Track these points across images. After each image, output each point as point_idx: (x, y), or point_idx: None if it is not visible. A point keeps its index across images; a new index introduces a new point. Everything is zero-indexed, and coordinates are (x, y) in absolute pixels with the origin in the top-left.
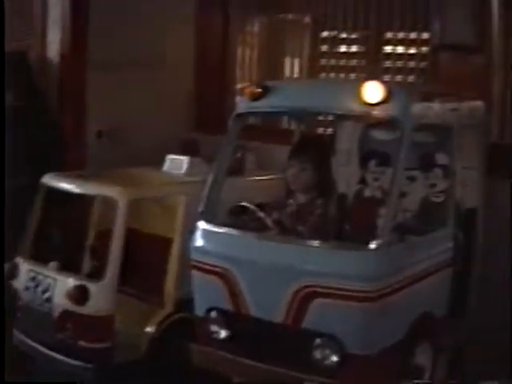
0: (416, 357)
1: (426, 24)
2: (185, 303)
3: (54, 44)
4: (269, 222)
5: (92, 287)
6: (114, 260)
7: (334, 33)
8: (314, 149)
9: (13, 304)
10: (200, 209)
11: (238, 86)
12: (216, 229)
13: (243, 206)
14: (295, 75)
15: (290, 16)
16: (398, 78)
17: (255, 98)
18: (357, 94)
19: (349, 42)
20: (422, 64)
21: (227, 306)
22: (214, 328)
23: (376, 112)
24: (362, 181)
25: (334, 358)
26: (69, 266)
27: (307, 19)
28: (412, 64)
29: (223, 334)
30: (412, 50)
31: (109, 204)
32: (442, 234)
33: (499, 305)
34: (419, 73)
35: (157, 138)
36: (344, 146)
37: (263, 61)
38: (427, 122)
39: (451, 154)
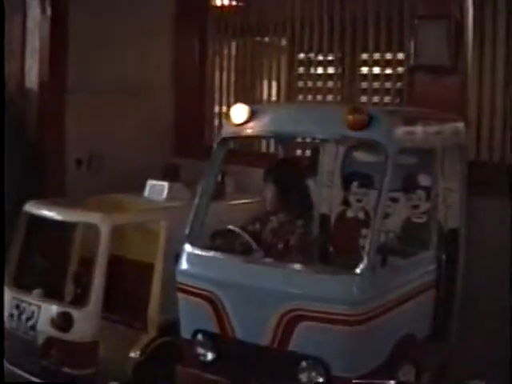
0: (399, 378)
1: (401, 45)
2: (168, 327)
3: (33, 72)
4: (253, 244)
5: (76, 314)
6: (98, 286)
7: (311, 55)
8: (288, 170)
9: None
10: (186, 232)
11: (217, 109)
12: (202, 252)
13: (227, 230)
14: (272, 98)
15: (267, 39)
16: (375, 98)
17: (241, 122)
18: (341, 119)
19: (325, 63)
20: (398, 84)
21: (213, 328)
22: (200, 350)
23: (360, 137)
24: (345, 202)
25: (320, 381)
26: (52, 294)
27: (283, 42)
28: (388, 85)
29: (209, 356)
30: (388, 71)
31: (91, 231)
32: (424, 256)
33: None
34: (395, 93)
35: (137, 164)
36: (326, 167)
37: (241, 84)
38: (411, 145)
39: (433, 176)
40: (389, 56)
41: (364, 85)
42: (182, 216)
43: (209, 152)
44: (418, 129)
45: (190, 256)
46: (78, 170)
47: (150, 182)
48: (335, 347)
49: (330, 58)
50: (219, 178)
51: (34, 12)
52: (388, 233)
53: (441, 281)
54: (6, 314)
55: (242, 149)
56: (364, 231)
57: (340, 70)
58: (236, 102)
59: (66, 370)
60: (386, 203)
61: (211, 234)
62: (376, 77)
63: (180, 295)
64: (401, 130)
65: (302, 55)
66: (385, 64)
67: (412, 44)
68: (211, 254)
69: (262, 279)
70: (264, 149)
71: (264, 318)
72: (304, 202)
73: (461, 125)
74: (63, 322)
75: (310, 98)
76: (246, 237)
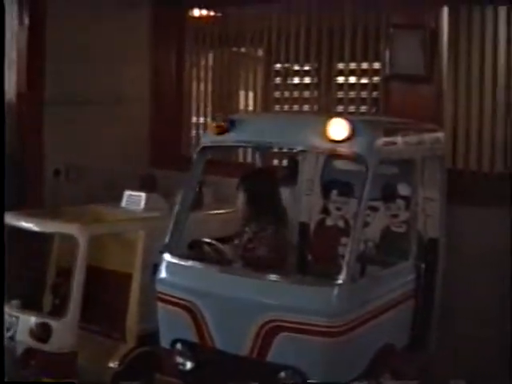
0: None
1: (376, 54)
2: (147, 337)
3: (11, 83)
4: (231, 255)
5: (54, 324)
6: (76, 297)
7: (287, 65)
8: (260, 180)
9: None
10: (165, 241)
11: (194, 120)
12: (181, 261)
13: (202, 242)
14: (249, 108)
15: (244, 49)
16: (351, 108)
17: (221, 132)
18: (321, 131)
19: (301, 73)
20: (374, 94)
21: (192, 338)
22: (179, 360)
23: (340, 149)
24: (325, 210)
25: None
26: (31, 304)
27: (260, 52)
28: (364, 94)
29: (188, 365)
30: (364, 80)
31: (69, 241)
32: (404, 266)
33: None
34: (371, 103)
35: (114, 174)
36: (306, 175)
37: (218, 94)
38: (391, 156)
39: (413, 185)
40: (365, 65)
41: (340, 94)
42: (159, 226)
43: (186, 162)
44: (399, 139)
45: (169, 265)
46: (56, 180)
47: (128, 193)
48: (314, 358)
49: (306, 67)
50: (197, 189)
51: (12, 23)
52: (367, 242)
53: (420, 290)
54: None
55: (220, 159)
56: (343, 240)
57: (316, 80)
58: (213, 112)
59: (46, 380)
60: (365, 213)
61: (189, 244)
62: (352, 86)
63: (159, 304)
64: (381, 142)
65: (278, 65)
66: (361, 73)
67: (387, 53)
68: (190, 263)
69: (241, 289)
70: (242, 159)
71: (243, 328)
72: (277, 211)
73: (440, 135)
74: (42, 332)
75: (286, 107)
76: (222, 248)
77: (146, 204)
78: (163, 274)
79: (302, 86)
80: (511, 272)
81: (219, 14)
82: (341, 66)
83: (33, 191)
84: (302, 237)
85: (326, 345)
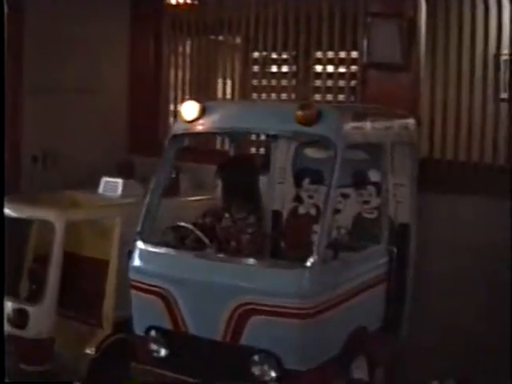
0: (353, 371)
1: (354, 43)
2: (124, 324)
3: None
4: (206, 240)
5: (31, 310)
6: (53, 283)
7: (265, 53)
8: (238, 167)
9: None
10: (137, 229)
11: (172, 107)
12: (153, 248)
13: (179, 226)
14: (227, 96)
15: (222, 37)
16: (329, 96)
17: (191, 119)
18: (290, 115)
19: (279, 62)
20: (352, 82)
21: (166, 324)
22: (153, 347)
23: (309, 132)
24: (297, 198)
25: (273, 374)
26: (8, 290)
27: (238, 40)
28: (342, 83)
29: (163, 352)
30: (341, 69)
31: (46, 227)
32: (375, 250)
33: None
34: (349, 91)
35: (92, 161)
36: (278, 164)
37: (196, 82)
38: (359, 141)
39: (383, 171)
40: (342, 54)
41: (318, 83)
42: (136, 213)
43: (163, 149)
44: (367, 124)
45: (142, 252)
46: (33, 166)
47: (105, 179)
48: (287, 340)
49: (284, 56)
50: (174, 175)
51: None
52: (339, 228)
53: (392, 274)
54: None
55: (197, 146)
56: (315, 227)
57: (294, 69)
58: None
59: (23, 366)
60: (336, 198)
61: (164, 230)
62: (330, 75)
63: (132, 292)
64: (349, 126)
65: (256, 53)
66: (338, 62)
67: (365, 42)
68: (163, 250)
69: (214, 274)
70: (220, 146)
71: (216, 313)
72: (254, 199)
73: (411, 121)
74: (19, 318)
75: (264, 96)
76: (198, 232)
77: (123, 190)
78: (136, 261)
79: (280, 75)
80: None
81: (196, 2)
82: (319, 54)
83: (10, 177)
84: (275, 225)
85: (298, 327)
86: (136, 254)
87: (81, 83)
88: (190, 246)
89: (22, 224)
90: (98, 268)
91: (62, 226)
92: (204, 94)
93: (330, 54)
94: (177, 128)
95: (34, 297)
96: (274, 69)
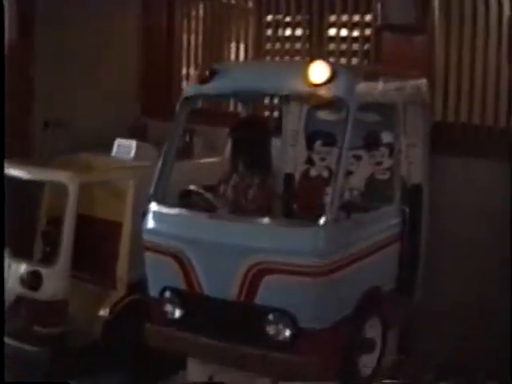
0: (366, 331)
1: (368, 6)
2: (137, 285)
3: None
4: (217, 203)
5: (45, 272)
6: (66, 245)
7: (278, 17)
8: (250, 128)
9: None
10: (151, 191)
11: (184, 71)
12: (167, 210)
13: (190, 191)
14: (240, 60)
15: (234, 1)
16: (342, 60)
17: (203, 81)
18: (302, 75)
19: (293, 25)
20: (366, 46)
21: (181, 285)
22: (168, 308)
23: (321, 92)
24: (309, 161)
25: (287, 333)
26: (21, 253)
27: (250, 4)
28: (356, 46)
29: (177, 313)
30: (355, 33)
31: (59, 189)
32: (388, 210)
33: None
34: (363, 55)
35: (104, 124)
36: (290, 126)
37: (208, 46)
38: (372, 101)
39: (396, 132)
40: (356, 18)
41: (331, 47)
42: (149, 175)
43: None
44: (379, 84)
45: (156, 214)
46: (45, 131)
47: (118, 141)
48: (301, 299)
49: (297, 19)
50: (187, 138)
51: None
52: (352, 190)
53: (405, 234)
54: None
55: (210, 109)
56: (327, 189)
57: (308, 32)
58: (203, 64)
59: (36, 328)
60: (348, 158)
61: (179, 193)
62: (343, 38)
63: (147, 253)
64: (361, 86)
65: (269, 17)
66: (352, 26)
67: (379, 4)
68: (177, 211)
69: (227, 235)
70: (233, 108)
71: (230, 273)
72: (264, 160)
73: (423, 82)
74: (32, 280)
75: (277, 59)
76: (207, 195)
77: (137, 153)
78: (150, 222)
79: (294, 38)
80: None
81: None
82: (332, 18)
83: (22, 141)
84: (287, 187)
85: (311, 285)
86: (150, 216)
87: (93, 45)
88: (203, 207)
89: (35, 187)
90: (112, 230)
91: (76, 188)
92: (217, 58)
93: (344, 18)
94: (188, 90)
95: (48, 259)
96: (288, 32)
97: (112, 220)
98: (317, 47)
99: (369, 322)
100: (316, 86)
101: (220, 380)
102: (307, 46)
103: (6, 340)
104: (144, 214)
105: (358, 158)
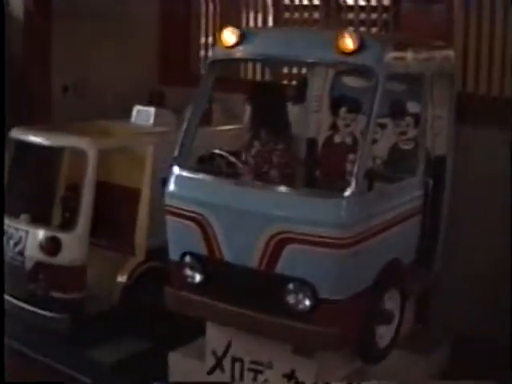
0: (385, 302)
1: None
2: (156, 252)
3: None
4: (242, 167)
5: (64, 238)
6: (85, 210)
7: None
8: (270, 94)
9: None
10: (174, 154)
11: (203, 40)
12: (190, 174)
13: (213, 154)
14: None
15: None
16: (361, 30)
17: (231, 45)
18: (332, 43)
19: None
20: (384, 16)
21: (202, 250)
22: (188, 272)
23: (350, 61)
24: (333, 127)
25: (307, 303)
26: (40, 218)
27: None
28: (374, 16)
29: (198, 278)
30: (373, 2)
31: (78, 155)
32: (411, 182)
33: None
34: (382, 24)
35: (122, 91)
36: (315, 92)
37: (226, 15)
38: (400, 71)
39: (422, 103)
40: None
41: (350, 16)
42: (168, 141)
43: (194, 80)
44: (408, 54)
45: (179, 178)
46: (64, 96)
47: (137, 108)
48: (322, 269)
49: None
50: (206, 105)
51: None
52: (375, 159)
53: (427, 206)
54: None
55: (230, 76)
56: (351, 156)
57: (326, 1)
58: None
59: (55, 294)
60: (374, 128)
61: (199, 158)
62: (362, 8)
63: (168, 217)
64: (391, 55)
65: None
66: None
67: None
68: (199, 176)
69: (251, 202)
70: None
71: (252, 240)
72: (282, 125)
73: (451, 52)
74: (51, 246)
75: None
76: (231, 158)
77: (156, 119)
78: (172, 187)
79: (312, 8)
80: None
81: None
82: None
83: (41, 107)
84: (309, 153)
85: (333, 256)
86: (172, 180)
87: (111, 11)
88: (226, 172)
89: (54, 153)
90: (131, 196)
91: (95, 154)
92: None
93: None
94: (216, 54)
95: (67, 225)
96: (306, 1)
97: (131, 186)
98: (335, 16)
99: (388, 294)
100: (346, 54)
101: (239, 345)
102: (325, 15)
103: (26, 306)
104: (163, 180)
105: (382, 126)
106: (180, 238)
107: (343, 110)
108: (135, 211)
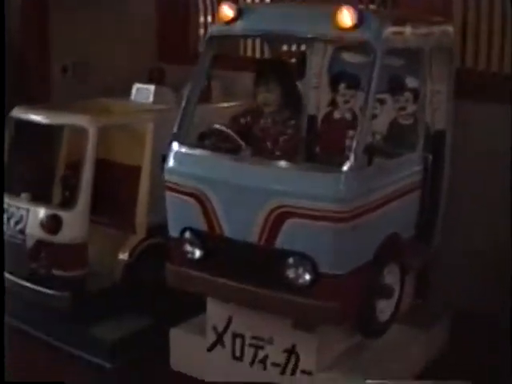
0: (385, 277)
1: None
2: (156, 229)
3: None
4: (240, 142)
5: (64, 216)
6: (86, 188)
7: None
8: (278, 72)
9: None
10: (174, 131)
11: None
12: (190, 150)
13: (213, 130)
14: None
15: None
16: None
17: (229, 20)
18: (330, 19)
19: None
20: None
21: (201, 226)
22: (188, 248)
23: (349, 36)
24: (332, 103)
25: (307, 277)
26: (40, 197)
27: None
28: None
29: (197, 253)
30: None
31: (79, 133)
32: (411, 157)
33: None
34: (380, 1)
35: (122, 69)
36: (314, 68)
37: None
38: (399, 45)
39: (421, 78)
40: None
41: None
42: (168, 118)
43: (193, 57)
44: (407, 29)
45: (178, 154)
46: (63, 76)
47: (137, 86)
48: (322, 244)
49: None
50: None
51: None
52: (375, 134)
53: (427, 181)
54: None
55: (228, 53)
56: (351, 132)
57: None
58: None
59: (56, 272)
60: (373, 103)
61: (199, 134)
62: None
63: (167, 194)
64: (389, 30)
65: None
66: None
67: None
68: (199, 152)
69: (249, 177)
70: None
71: (251, 215)
72: (297, 102)
73: (450, 27)
74: (52, 224)
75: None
76: (232, 134)
77: (155, 97)
78: (171, 163)
79: None
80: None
81: None
82: None
83: (40, 87)
84: (309, 129)
85: (332, 231)
86: (172, 156)
87: None
88: (225, 148)
89: (54, 131)
90: (131, 174)
91: (95, 131)
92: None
93: None
94: (214, 29)
95: (67, 203)
96: None
97: (131, 164)
98: None
99: (388, 268)
100: (344, 29)
101: (239, 321)
102: None
103: (27, 284)
104: (163, 157)
105: (381, 101)
106: (180, 214)
107: (342, 86)
108: (136, 189)
